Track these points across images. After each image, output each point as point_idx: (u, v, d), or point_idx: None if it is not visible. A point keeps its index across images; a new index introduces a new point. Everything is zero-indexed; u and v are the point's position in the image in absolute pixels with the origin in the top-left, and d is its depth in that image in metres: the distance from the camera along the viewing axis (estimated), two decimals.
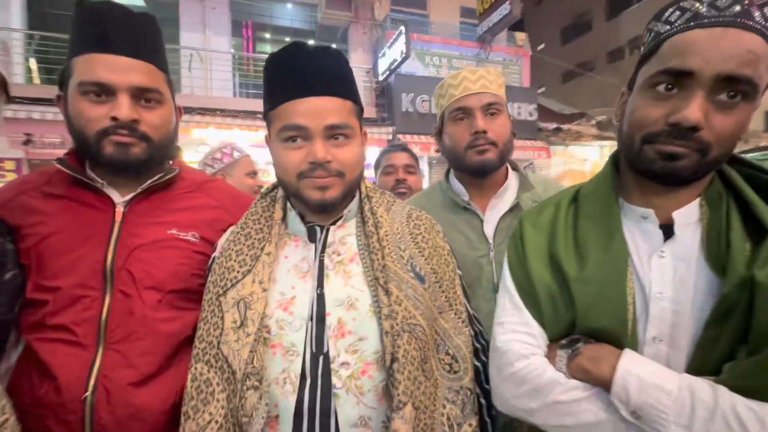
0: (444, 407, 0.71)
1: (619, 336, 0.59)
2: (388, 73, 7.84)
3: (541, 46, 17.44)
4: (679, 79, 0.54)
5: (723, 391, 0.50)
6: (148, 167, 0.80)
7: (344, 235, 0.77)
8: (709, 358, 0.54)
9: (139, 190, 0.81)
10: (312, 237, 0.75)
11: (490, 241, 0.98)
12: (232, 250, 0.74)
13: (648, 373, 0.54)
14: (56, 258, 0.74)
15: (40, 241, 0.74)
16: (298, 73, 0.69)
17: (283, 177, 0.72)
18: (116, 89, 0.73)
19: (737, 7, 0.52)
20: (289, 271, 0.73)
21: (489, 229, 0.99)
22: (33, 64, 7.10)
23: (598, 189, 0.70)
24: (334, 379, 0.66)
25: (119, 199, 0.80)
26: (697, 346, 0.56)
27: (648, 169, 0.59)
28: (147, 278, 0.76)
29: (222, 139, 6.58)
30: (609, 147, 8.84)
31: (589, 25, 17.37)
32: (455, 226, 1.01)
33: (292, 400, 0.65)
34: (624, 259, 0.61)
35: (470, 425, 0.72)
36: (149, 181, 0.82)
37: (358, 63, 8.72)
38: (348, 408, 0.65)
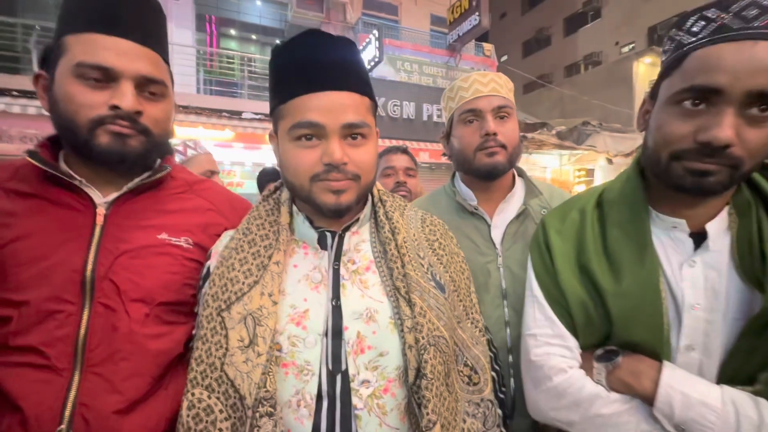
0: (464, 422, 0.67)
1: (655, 346, 0.60)
2: None
3: (504, 58, 18.18)
4: (707, 95, 0.53)
5: (766, 405, 0.51)
6: (142, 164, 0.72)
7: (358, 241, 0.71)
8: (744, 367, 0.56)
9: (125, 189, 0.71)
10: (323, 243, 0.69)
11: (498, 246, 0.97)
12: (235, 258, 0.66)
13: (691, 389, 0.55)
14: (23, 267, 0.63)
15: (2, 247, 0.63)
16: (312, 64, 0.62)
17: (293, 180, 0.64)
18: (120, 76, 0.65)
19: (767, 18, 0.50)
20: (299, 281, 0.67)
21: (497, 234, 0.98)
22: None
23: (625, 196, 0.68)
24: (355, 399, 0.60)
25: (101, 199, 0.70)
26: (730, 355, 0.57)
27: (677, 184, 0.58)
28: (134, 289, 0.66)
29: (185, 137, 6.24)
30: (567, 156, 9.33)
31: (549, 40, 18.35)
32: (462, 230, 0.98)
33: (308, 425, 0.59)
34: (657, 270, 0.61)
35: None
36: (137, 179, 0.72)
37: None
38: (370, 430, 0.60)
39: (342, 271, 0.67)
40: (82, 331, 0.62)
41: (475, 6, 8.05)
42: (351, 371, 0.61)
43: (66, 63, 0.64)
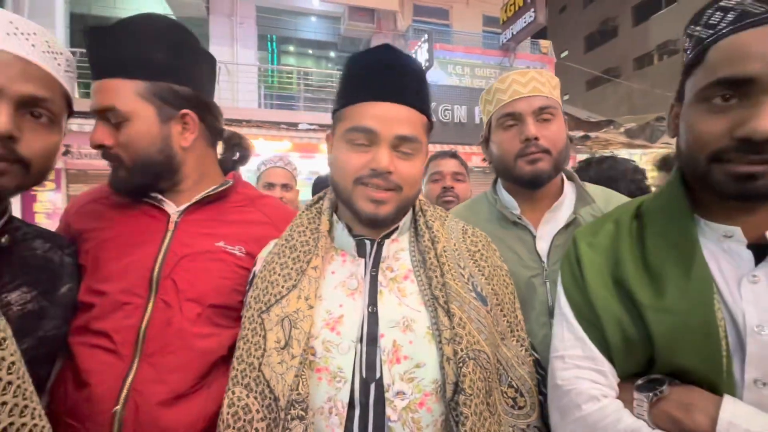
0: None
1: (712, 377, 0.50)
2: None
3: (565, 54, 17.16)
4: (738, 87, 0.47)
5: None
6: (146, 187, 0.79)
7: (397, 249, 0.71)
8: None
9: (193, 200, 0.81)
10: (361, 251, 0.70)
11: (544, 259, 0.88)
12: (276, 263, 0.69)
13: (760, 428, 0.45)
14: (109, 262, 0.74)
15: (98, 244, 0.76)
16: (380, 74, 0.65)
17: (339, 180, 0.67)
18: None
19: None
20: (336, 287, 0.68)
21: (542, 246, 0.90)
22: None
23: (667, 204, 0.60)
24: (389, 410, 0.59)
25: (174, 209, 0.80)
26: None
27: (720, 191, 0.51)
28: (190, 289, 0.73)
29: None
30: (639, 155, 8.52)
31: (615, 31, 16.98)
32: (504, 241, 0.92)
33: None
34: (709, 285, 0.52)
35: None
36: (203, 192, 0.81)
37: None
38: None
39: (380, 277, 0.67)
40: (144, 322, 0.70)
41: (530, 2, 7.72)
42: (386, 380, 0.60)
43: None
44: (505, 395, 0.65)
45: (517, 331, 0.70)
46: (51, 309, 0.67)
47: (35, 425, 0.47)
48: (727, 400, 0.48)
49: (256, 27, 8.48)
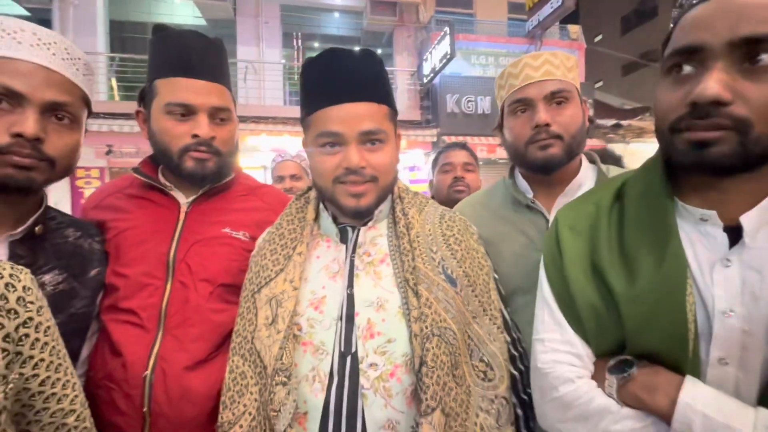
0: (477, 416, 0.68)
1: (678, 357, 0.52)
2: (433, 74, 7.78)
3: (599, 38, 16.31)
4: (691, 56, 0.49)
5: None
6: (219, 177, 0.92)
7: (375, 235, 0.77)
8: None
9: (200, 192, 0.91)
10: (343, 238, 0.77)
11: None
12: (267, 249, 0.78)
13: (714, 410, 0.47)
14: (129, 248, 0.84)
15: (118, 234, 0.86)
16: (332, 79, 0.70)
17: (319, 181, 0.74)
18: (198, 110, 0.84)
19: None
20: (320, 271, 0.75)
21: None
22: (114, 82, 7.99)
23: (647, 186, 0.61)
24: (362, 380, 0.66)
25: (184, 200, 0.91)
26: None
27: (681, 162, 0.53)
28: (202, 271, 0.84)
29: (273, 145, 6.94)
30: None
31: (655, 11, 15.94)
32: (517, 225, 0.94)
33: (321, 397, 0.66)
34: (683, 270, 0.53)
35: None
36: (209, 185, 0.92)
37: (403, 66, 8.75)
38: (376, 410, 0.65)
39: (357, 262, 0.74)
40: (165, 300, 0.81)
41: None
42: (360, 353, 0.67)
43: (158, 102, 0.84)
44: (476, 369, 0.71)
45: (490, 310, 0.75)
46: (81, 290, 0.78)
47: (67, 381, 0.56)
48: (688, 382, 0.50)
49: (280, 25, 8.66)
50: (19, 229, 0.70)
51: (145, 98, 0.89)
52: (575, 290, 0.62)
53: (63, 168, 0.72)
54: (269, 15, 8.47)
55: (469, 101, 7.79)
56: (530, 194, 0.96)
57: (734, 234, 0.53)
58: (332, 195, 0.72)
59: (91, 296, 0.81)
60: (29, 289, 0.52)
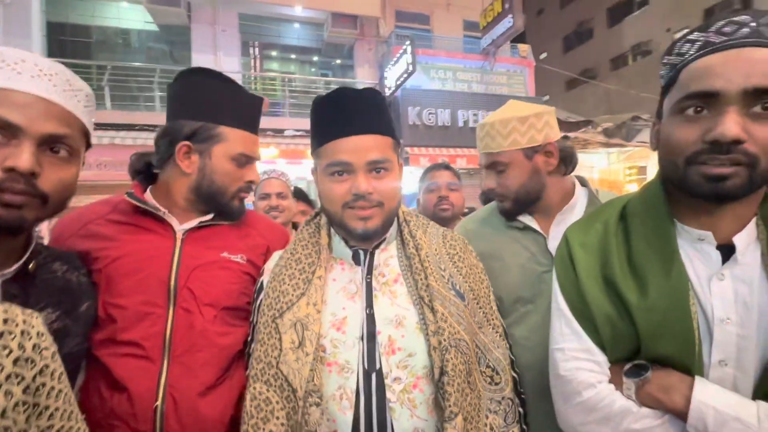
0: (487, 417, 0.75)
1: (686, 361, 0.59)
2: (394, 88, 7.98)
3: (544, 56, 17.57)
4: (706, 100, 0.56)
5: None
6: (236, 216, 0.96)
7: (386, 257, 0.82)
8: None
9: (198, 222, 0.90)
10: (356, 260, 0.81)
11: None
12: (285, 274, 0.79)
13: (725, 405, 0.54)
14: (124, 278, 0.81)
15: (109, 264, 0.82)
16: (341, 114, 0.76)
17: (329, 207, 0.78)
18: (252, 160, 0.95)
19: (745, 29, 0.54)
20: (338, 292, 0.78)
21: (554, 245, 0.98)
22: None
23: (650, 208, 0.68)
24: (389, 394, 0.70)
25: (179, 226, 0.89)
26: (765, 370, 0.56)
27: (695, 192, 0.58)
28: (205, 295, 0.83)
29: None
30: (616, 153, 8.82)
31: (591, 32, 17.51)
32: (519, 241, 1.04)
33: (350, 415, 0.69)
34: (685, 284, 0.60)
35: None
36: (209, 217, 0.92)
37: (363, 79, 8.89)
38: (403, 421, 0.69)
39: (374, 283, 0.78)
40: (168, 328, 0.79)
41: (508, 8, 7.96)
42: (384, 370, 0.71)
43: (224, 149, 0.89)
44: (483, 374, 0.77)
45: (492, 319, 0.82)
46: (73, 327, 0.73)
47: (79, 428, 0.54)
48: (699, 382, 0.57)
49: (239, 34, 8.48)
50: (13, 268, 0.66)
51: (196, 136, 0.88)
52: (591, 302, 0.67)
53: (56, 204, 0.67)
54: (226, 23, 8.27)
55: (430, 113, 8.05)
56: (524, 220, 1.06)
57: (725, 251, 0.61)
58: (341, 219, 0.77)
59: (83, 333, 0.76)
60: (42, 334, 0.49)
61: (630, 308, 0.63)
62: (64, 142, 0.66)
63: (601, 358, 0.67)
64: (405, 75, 7.54)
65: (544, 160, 1.02)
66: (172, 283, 0.82)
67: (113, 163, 5.93)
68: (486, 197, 1.10)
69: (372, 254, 0.81)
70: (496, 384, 0.77)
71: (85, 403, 0.76)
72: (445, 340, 0.70)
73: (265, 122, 7.93)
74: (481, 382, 0.76)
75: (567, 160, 1.05)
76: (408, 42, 7.38)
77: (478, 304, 0.81)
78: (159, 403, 0.75)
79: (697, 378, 0.58)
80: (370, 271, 0.79)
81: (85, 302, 0.77)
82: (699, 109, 0.57)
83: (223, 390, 0.80)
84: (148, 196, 0.90)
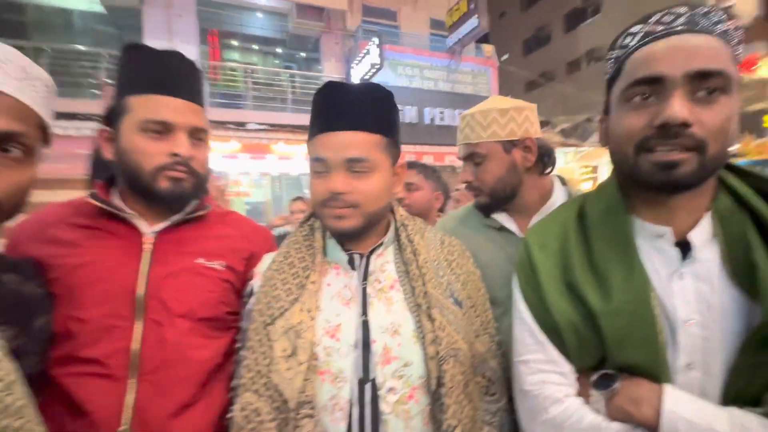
0: (482, 429, 0.73)
1: (654, 366, 0.57)
2: (362, 83, 7.90)
3: (506, 57, 18.14)
4: (652, 86, 0.56)
5: None
6: (192, 200, 0.84)
7: (383, 263, 0.78)
8: (748, 386, 0.53)
9: (170, 221, 0.81)
10: (352, 265, 0.76)
11: None
12: (277, 279, 0.74)
13: (695, 415, 0.52)
14: (86, 288, 0.73)
15: (69, 272, 0.73)
16: (329, 109, 0.72)
17: (313, 204, 0.75)
18: (176, 128, 0.77)
19: (682, 18, 0.56)
20: (332, 298, 0.74)
21: None
22: None
23: (607, 206, 0.65)
24: (383, 405, 0.67)
25: (148, 229, 0.80)
26: (733, 373, 0.54)
27: (648, 181, 0.57)
28: (178, 306, 0.76)
29: None
30: (572, 153, 9.30)
31: (549, 37, 18.31)
32: (495, 241, 1.02)
33: (343, 426, 0.66)
34: (646, 285, 0.58)
35: None
36: (182, 214, 0.83)
37: (330, 73, 8.72)
38: None
39: (369, 290, 0.74)
40: (137, 343, 0.71)
41: (473, 9, 8.10)
42: (379, 380, 0.68)
43: (132, 119, 0.76)
44: (479, 384, 0.75)
45: (489, 328, 0.81)
46: (30, 344, 0.64)
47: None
48: (668, 391, 0.54)
49: (196, 21, 8.01)
50: None
51: (111, 116, 0.78)
52: (554, 309, 0.63)
53: (8, 211, 0.58)
54: (183, 8, 7.78)
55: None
56: (500, 220, 1.04)
57: (684, 248, 0.59)
58: (321, 219, 0.74)
59: (40, 350, 0.67)
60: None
61: (595, 313, 0.59)
62: (18, 141, 0.57)
63: (567, 368, 0.63)
64: (372, 71, 7.48)
65: (522, 155, 1.01)
66: (141, 292, 0.74)
67: (52, 156, 5.36)
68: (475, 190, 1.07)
69: (368, 259, 0.77)
70: (492, 395, 0.76)
71: None
72: (443, 349, 0.67)
73: (226, 115, 7.54)
74: (478, 393, 0.74)
75: (546, 159, 1.03)
76: (376, 37, 7.32)
77: (475, 312, 0.79)
78: (125, 427, 0.67)
79: (667, 387, 0.55)
80: (365, 277, 0.75)
81: (41, 316, 0.68)
82: (645, 95, 0.57)
83: (199, 408, 0.73)
84: (113, 196, 0.81)
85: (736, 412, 0.51)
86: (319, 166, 0.71)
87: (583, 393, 0.62)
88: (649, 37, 0.57)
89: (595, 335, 0.60)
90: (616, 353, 0.59)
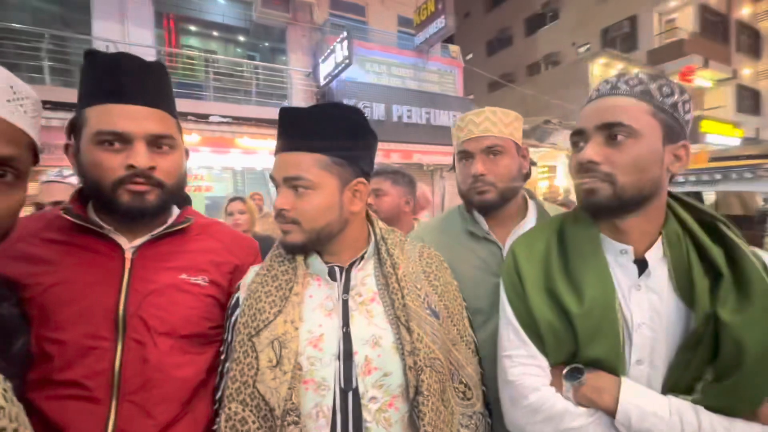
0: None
1: (613, 361, 0.69)
2: (330, 78, 7.80)
3: (470, 57, 18.58)
4: (581, 136, 0.74)
5: (703, 412, 0.63)
6: (161, 213, 0.79)
7: (363, 276, 0.81)
8: (683, 377, 0.66)
9: (149, 236, 0.79)
10: (332, 276, 0.79)
11: None
12: (261, 291, 0.75)
13: (645, 402, 0.64)
14: (62, 308, 0.70)
15: (44, 291, 0.70)
16: (280, 132, 0.78)
17: None
18: (133, 138, 0.72)
19: (608, 86, 0.73)
20: (315, 309, 0.76)
21: None
22: None
23: (580, 225, 0.78)
24: (365, 414, 0.70)
25: (127, 244, 0.77)
26: (671, 367, 0.67)
27: (582, 206, 0.75)
28: (160, 324, 0.74)
29: None
30: (531, 154, 9.73)
31: (511, 39, 18.96)
32: (474, 252, 1.06)
33: None
34: (613, 293, 0.71)
35: None
36: (161, 228, 0.80)
37: (296, 65, 8.53)
38: None
39: (350, 302, 0.77)
40: (117, 364, 0.70)
41: (441, 9, 8.23)
42: (361, 389, 0.71)
43: (88, 132, 0.73)
44: (456, 390, 0.80)
45: (465, 336, 0.86)
46: (8, 369, 0.60)
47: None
48: (624, 383, 0.67)
49: (151, 2, 7.50)
50: None
51: (74, 130, 0.75)
52: (536, 313, 0.75)
53: (1, 234, 0.57)
54: None
55: (365, 107, 8.02)
56: (485, 226, 1.08)
57: (641, 264, 0.72)
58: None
59: (20, 375, 0.64)
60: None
61: (570, 315, 0.71)
62: (10, 165, 0.55)
63: (544, 363, 0.75)
64: (341, 66, 7.40)
65: (523, 161, 1.08)
66: (121, 311, 0.72)
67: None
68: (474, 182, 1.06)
69: (348, 272, 0.80)
70: (468, 399, 0.81)
71: None
72: (420, 360, 0.72)
73: (186, 105, 7.13)
74: (455, 398, 0.79)
75: (530, 171, 1.12)
76: (345, 32, 7.24)
77: (452, 321, 0.83)
78: None
79: (623, 379, 0.68)
80: (346, 290, 0.78)
81: (19, 338, 0.65)
82: (576, 144, 0.76)
83: (183, 426, 0.73)
84: (88, 211, 0.78)
85: (673, 400, 0.65)
86: (274, 184, 0.77)
87: (556, 383, 0.74)
88: (586, 102, 0.76)
89: (569, 334, 0.72)
90: (585, 348, 0.71)
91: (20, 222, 0.76)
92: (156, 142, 0.75)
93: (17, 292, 0.69)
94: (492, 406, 0.89)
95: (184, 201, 0.89)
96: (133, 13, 7.21)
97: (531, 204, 1.14)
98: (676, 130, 0.70)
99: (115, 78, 0.73)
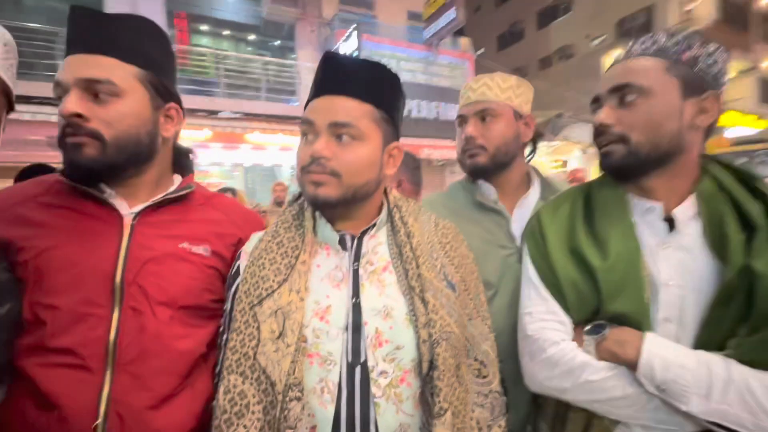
0: (473, 411, 0.73)
1: (639, 318, 0.68)
2: None
3: (481, 51, 18.36)
4: (595, 103, 0.78)
5: (734, 364, 0.59)
6: (116, 169, 0.72)
7: (375, 244, 0.76)
8: (714, 335, 0.63)
9: (150, 202, 0.76)
10: (343, 245, 0.74)
11: (517, 240, 0.99)
12: (265, 258, 0.71)
13: (670, 353, 0.62)
14: (58, 273, 0.67)
15: (39, 255, 0.67)
16: (324, 75, 0.71)
17: (297, 174, 0.73)
18: (68, 86, 0.67)
19: (639, 47, 0.75)
20: (322, 279, 0.72)
21: (516, 228, 1.00)
22: None
23: (607, 187, 0.79)
24: (374, 389, 0.66)
25: (127, 210, 0.74)
26: (702, 325, 0.65)
27: (603, 168, 0.77)
28: (159, 293, 0.71)
29: None
30: (544, 147, 9.59)
31: (522, 33, 18.66)
32: (481, 223, 1.02)
33: (331, 409, 0.64)
34: (638, 249, 0.70)
35: (500, 426, 0.76)
36: (161, 195, 0.77)
37: (305, 61, 8.53)
38: (388, 417, 0.65)
39: (361, 271, 0.73)
40: (113, 332, 0.67)
41: (450, 1, 8.13)
42: (370, 363, 0.66)
43: None
44: (471, 367, 0.75)
45: (482, 311, 0.81)
46: None
47: None
48: (648, 336, 0.65)
49: (163, 1, 7.59)
50: None
51: None
52: (559, 270, 0.75)
53: None
54: None
55: None
56: (493, 196, 1.05)
57: (671, 222, 0.71)
58: (301, 187, 0.72)
59: (6, 340, 0.62)
60: None
61: (593, 271, 0.71)
62: None
63: (566, 319, 0.74)
64: None
65: (524, 129, 1.05)
66: (118, 278, 0.69)
67: (4, 142, 4.94)
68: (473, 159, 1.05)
69: (360, 240, 0.75)
70: (484, 377, 0.76)
71: (5, 426, 0.62)
72: (435, 332, 0.67)
73: (197, 102, 7.24)
74: (469, 375, 0.75)
75: (536, 141, 1.10)
76: (354, 27, 7.20)
77: (468, 295, 0.78)
78: (100, 421, 0.62)
79: (648, 333, 0.66)
80: (357, 258, 0.74)
81: (6, 303, 0.62)
82: (594, 107, 0.77)
83: (183, 400, 0.70)
84: None
85: (701, 353, 0.62)
86: (306, 129, 0.70)
87: (577, 340, 0.72)
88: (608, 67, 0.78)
89: (592, 291, 0.72)
90: (609, 303, 0.70)
91: (17, 187, 0.76)
92: (90, 88, 0.67)
93: (13, 256, 0.67)
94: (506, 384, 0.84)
95: (186, 168, 0.87)
96: (145, 12, 7.26)
97: (534, 175, 1.11)
98: (698, 83, 0.69)
99: (73, 30, 0.70)
